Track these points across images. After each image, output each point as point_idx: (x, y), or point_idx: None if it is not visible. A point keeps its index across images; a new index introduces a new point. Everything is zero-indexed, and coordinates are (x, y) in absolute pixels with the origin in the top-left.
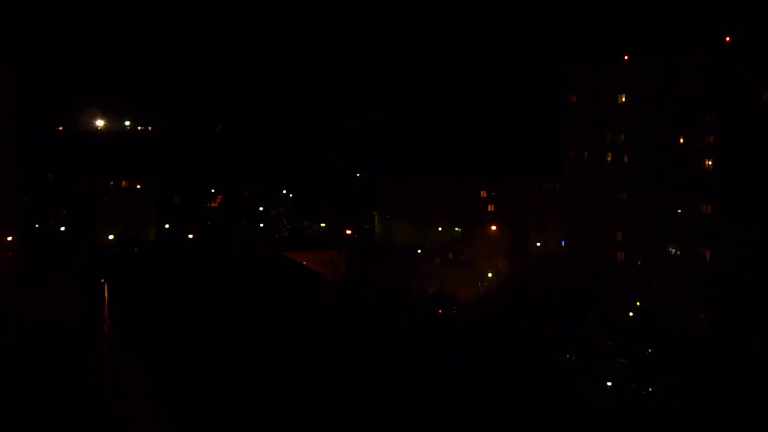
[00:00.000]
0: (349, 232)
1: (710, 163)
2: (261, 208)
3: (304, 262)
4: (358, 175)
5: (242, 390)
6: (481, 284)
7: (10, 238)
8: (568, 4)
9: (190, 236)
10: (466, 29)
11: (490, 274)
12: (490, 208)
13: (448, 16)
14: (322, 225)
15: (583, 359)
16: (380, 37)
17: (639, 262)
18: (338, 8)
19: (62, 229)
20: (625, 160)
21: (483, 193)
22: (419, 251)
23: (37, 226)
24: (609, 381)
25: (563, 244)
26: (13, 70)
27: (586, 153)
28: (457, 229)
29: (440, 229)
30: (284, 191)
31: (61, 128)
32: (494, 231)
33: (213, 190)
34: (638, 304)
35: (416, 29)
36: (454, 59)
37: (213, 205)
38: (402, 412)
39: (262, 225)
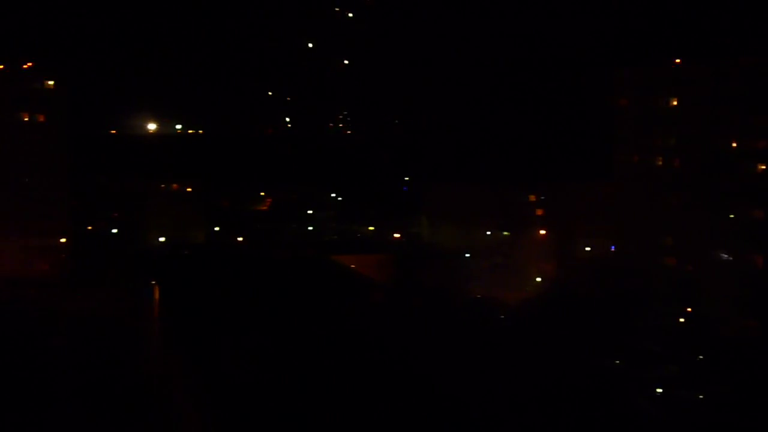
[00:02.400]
0: (396, 235)
1: (764, 167)
2: (309, 211)
3: (352, 266)
4: (406, 178)
5: (286, 393)
6: (529, 289)
7: (62, 240)
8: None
9: (239, 239)
10: (513, 29)
11: (538, 279)
12: (539, 212)
13: (493, 16)
14: (370, 228)
15: (631, 365)
16: (427, 36)
17: (689, 268)
18: (380, 5)
19: (113, 231)
20: (676, 164)
21: (532, 197)
22: (467, 255)
23: (88, 228)
24: (658, 388)
25: (612, 249)
26: (65, 73)
27: (635, 157)
28: (505, 232)
29: (488, 232)
30: (332, 194)
31: (112, 131)
32: (542, 235)
33: (262, 193)
34: (688, 310)
35: (463, 28)
36: (501, 59)
37: (262, 208)
38: (445, 418)
39: (310, 228)
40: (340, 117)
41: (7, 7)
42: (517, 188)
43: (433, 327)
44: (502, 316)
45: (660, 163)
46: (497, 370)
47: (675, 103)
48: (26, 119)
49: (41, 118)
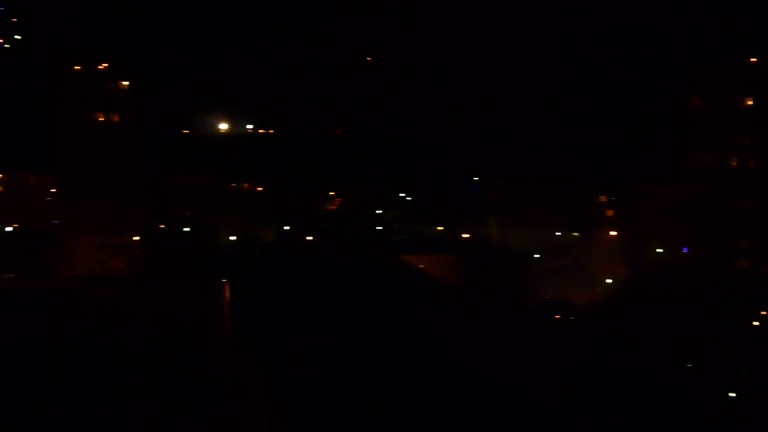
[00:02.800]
0: (465, 235)
1: None
2: (378, 211)
3: (420, 266)
4: (475, 178)
5: (354, 390)
6: (599, 290)
7: (135, 238)
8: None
9: (309, 238)
10: (588, 30)
11: (608, 280)
12: (610, 213)
13: (569, 16)
14: (439, 228)
15: (703, 369)
16: (498, 36)
17: (764, 270)
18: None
19: (185, 229)
20: (751, 164)
21: (602, 198)
22: (536, 256)
23: (161, 227)
24: (730, 392)
25: (685, 251)
26: (140, 74)
27: (709, 157)
28: (574, 233)
29: (557, 233)
30: (401, 194)
31: (185, 131)
32: (613, 236)
33: (332, 193)
34: (762, 313)
35: (537, 28)
36: (574, 60)
37: (331, 207)
38: (513, 418)
39: (379, 228)
40: (410, 118)
41: (83, 10)
42: (587, 189)
43: (502, 328)
44: (572, 318)
45: (734, 163)
46: (566, 371)
47: (750, 102)
48: (102, 119)
49: (116, 118)
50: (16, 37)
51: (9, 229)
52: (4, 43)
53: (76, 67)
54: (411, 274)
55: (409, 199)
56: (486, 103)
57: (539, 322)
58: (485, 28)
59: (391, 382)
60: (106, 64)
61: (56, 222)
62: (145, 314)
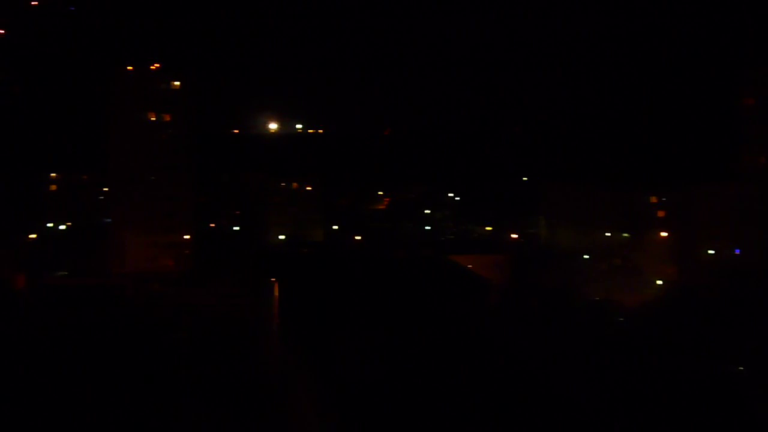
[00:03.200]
0: (514, 235)
1: None
2: (427, 211)
3: (469, 266)
4: (524, 178)
5: (402, 390)
6: (649, 292)
7: (186, 237)
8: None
9: (357, 238)
10: (639, 29)
11: (658, 282)
12: (660, 213)
13: (620, 15)
14: (488, 228)
15: (755, 372)
16: (549, 36)
17: None
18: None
19: (235, 228)
20: None
21: (653, 199)
22: (585, 256)
23: (211, 225)
24: None
25: (737, 252)
26: (191, 74)
27: (762, 158)
28: (625, 234)
29: (608, 234)
30: (450, 194)
31: (235, 131)
32: (664, 237)
33: (380, 193)
34: None
35: (588, 28)
36: (626, 59)
37: (380, 207)
38: (561, 419)
39: (427, 228)
40: (459, 117)
41: (135, 11)
42: (638, 189)
43: (551, 328)
44: (621, 319)
45: None
46: (615, 373)
47: None
48: (153, 119)
49: (167, 118)
50: (69, 37)
51: (62, 227)
52: (58, 43)
53: (128, 68)
54: (459, 274)
55: (458, 198)
56: (536, 103)
57: (588, 324)
58: (536, 27)
59: (439, 383)
60: (158, 65)
61: (108, 220)
62: (194, 312)
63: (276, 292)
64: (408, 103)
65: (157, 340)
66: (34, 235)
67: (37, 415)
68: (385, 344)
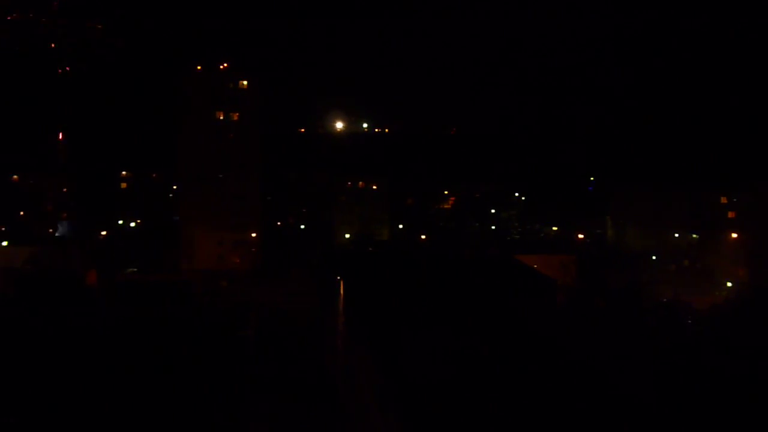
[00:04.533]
0: (581, 236)
1: None
2: (493, 211)
3: (535, 266)
4: (591, 178)
5: (468, 391)
6: (719, 293)
7: (253, 235)
8: None
9: (423, 237)
10: (707, 29)
11: (728, 283)
12: (731, 214)
13: (687, 16)
14: (554, 228)
15: None
16: (621, 36)
17: None
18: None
19: (301, 227)
20: None
21: (723, 199)
22: (653, 257)
23: (278, 223)
24: None
25: None
26: (259, 74)
27: None
28: (694, 235)
29: (676, 235)
30: (516, 194)
31: (302, 130)
32: (734, 238)
33: (446, 192)
34: None
35: (659, 28)
36: (693, 60)
37: (446, 206)
38: (629, 423)
39: (493, 227)
40: (526, 117)
41: (204, 11)
42: (707, 189)
43: (617, 330)
44: (690, 321)
45: None
46: (684, 377)
47: None
48: (221, 118)
49: (235, 117)
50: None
51: (133, 224)
52: (130, 45)
53: (198, 68)
54: (525, 274)
55: (524, 198)
56: (605, 102)
57: (656, 325)
58: (605, 26)
59: (505, 382)
60: (227, 65)
61: (177, 218)
62: (261, 310)
63: (341, 291)
64: (474, 102)
65: (224, 337)
66: (105, 232)
67: (108, 410)
68: (451, 344)
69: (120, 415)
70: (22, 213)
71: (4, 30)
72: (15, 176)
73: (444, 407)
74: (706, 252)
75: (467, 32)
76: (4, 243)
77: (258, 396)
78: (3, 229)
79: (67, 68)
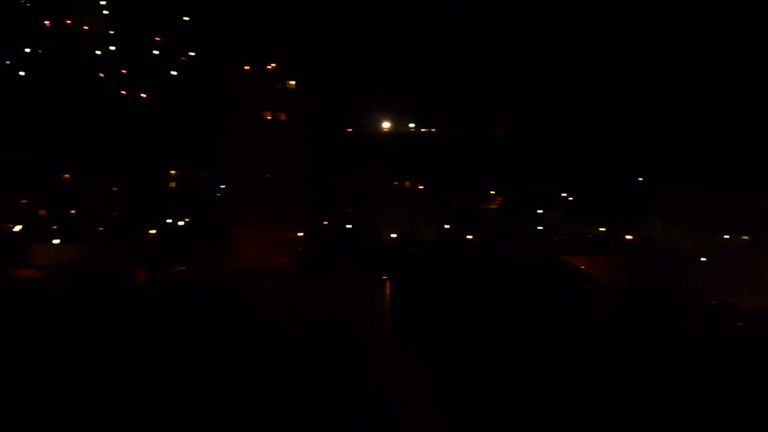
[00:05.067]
0: (628, 237)
1: None
2: (539, 211)
3: (582, 267)
4: (639, 178)
5: (513, 392)
6: None
7: (299, 234)
8: None
9: (469, 237)
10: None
11: None
12: None
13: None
14: (601, 229)
15: None
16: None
17: None
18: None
19: (347, 226)
20: None
21: None
22: (702, 259)
23: (324, 223)
24: None
25: None
26: (306, 73)
27: None
28: (744, 237)
29: (726, 236)
30: (563, 193)
31: (349, 129)
32: None
33: (492, 192)
34: None
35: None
36: (743, 55)
37: (492, 206)
38: (677, 426)
39: (539, 228)
40: (572, 116)
41: (251, 10)
42: (758, 190)
43: (666, 332)
44: (739, 324)
45: None
46: (732, 378)
47: None
48: (269, 118)
49: (282, 117)
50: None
51: (180, 223)
52: (175, 45)
53: (245, 67)
54: (572, 275)
55: (571, 198)
56: (653, 100)
57: (705, 328)
58: (651, 22)
59: (552, 384)
60: (274, 64)
61: (224, 217)
62: (307, 309)
63: (387, 291)
64: (521, 101)
65: (270, 336)
66: (153, 231)
67: (157, 407)
68: (497, 344)
69: (167, 413)
70: (72, 212)
71: (51, 30)
72: (66, 175)
73: (489, 407)
74: (757, 254)
75: (514, 31)
76: (54, 241)
77: (304, 395)
78: (53, 227)
79: (121, 70)
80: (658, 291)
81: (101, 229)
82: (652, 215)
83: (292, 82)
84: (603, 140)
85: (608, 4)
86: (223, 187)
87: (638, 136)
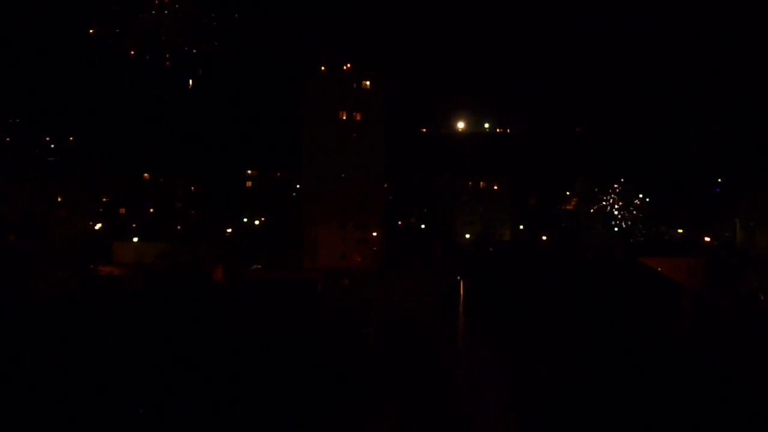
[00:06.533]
0: (707, 239)
1: None
2: (616, 212)
3: (660, 269)
4: (719, 179)
5: (591, 394)
6: None
7: (375, 234)
8: None
9: (544, 237)
10: None
11: None
12: None
13: None
14: (680, 231)
15: None
16: (746, 34)
17: None
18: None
19: (422, 226)
20: None
21: None
22: None
23: (399, 223)
24: None
25: None
26: (382, 74)
27: None
28: None
29: None
30: (640, 195)
31: (424, 130)
32: None
33: (568, 193)
34: None
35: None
36: None
37: (568, 207)
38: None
39: (616, 229)
40: (651, 116)
41: (327, 13)
42: None
43: (746, 335)
44: None
45: None
46: None
47: None
48: (345, 118)
49: (358, 117)
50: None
51: (257, 222)
52: (255, 46)
53: (322, 68)
54: (650, 277)
55: (649, 199)
56: (735, 101)
57: None
58: (733, 24)
59: (629, 386)
60: (350, 65)
61: (300, 217)
62: (382, 308)
63: (461, 291)
64: (599, 101)
65: (346, 335)
66: (231, 230)
67: (235, 403)
68: (573, 346)
69: (246, 407)
70: (152, 210)
71: (137, 36)
72: (146, 174)
73: (565, 410)
74: None
75: (590, 31)
76: (135, 239)
77: (378, 393)
78: (134, 225)
79: (198, 71)
80: (738, 294)
81: (180, 227)
82: (733, 217)
83: (368, 83)
84: (682, 141)
85: (690, 8)
86: (300, 186)
87: (719, 137)
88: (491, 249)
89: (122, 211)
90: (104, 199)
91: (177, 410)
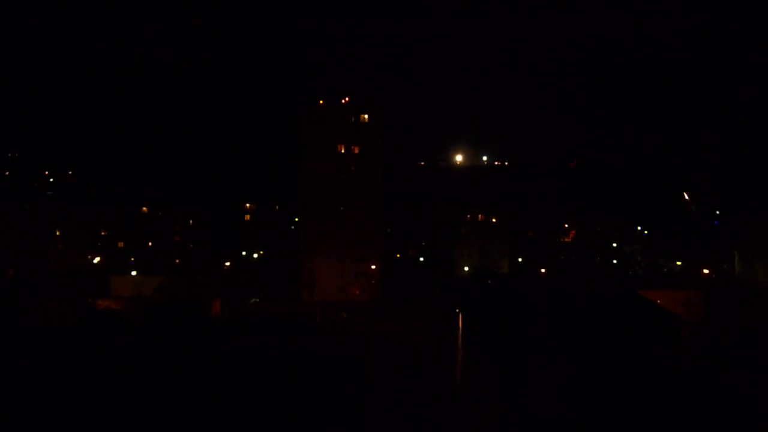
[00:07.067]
0: (706, 271)
1: None
2: (614, 245)
3: (658, 301)
4: (717, 212)
5: (591, 426)
6: None
7: (373, 267)
8: None
9: (543, 270)
10: None
11: None
12: None
13: None
14: (678, 263)
15: None
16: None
17: None
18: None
19: (421, 259)
20: None
21: None
22: None
23: (398, 255)
24: None
25: None
26: (379, 108)
27: None
28: None
29: None
30: (638, 227)
31: (422, 163)
32: None
33: (566, 225)
34: None
35: None
36: None
37: (566, 240)
38: None
39: (615, 261)
40: (648, 150)
41: (326, 46)
42: None
43: (746, 368)
44: None
45: None
46: None
47: None
48: (343, 151)
49: (356, 150)
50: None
51: (255, 255)
52: (252, 79)
53: (319, 102)
54: (649, 309)
55: (647, 232)
56: (729, 135)
57: None
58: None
59: (628, 417)
60: (348, 99)
61: (298, 250)
62: (381, 341)
63: (460, 323)
64: (595, 135)
65: (345, 368)
66: (229, 263)
67: None
68: (572, 378)
69: None
70: (150, 244)
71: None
72: (144, 208)
73: None
74: None
75: (587, 66)
76: (134, 273)
77: (377, 425)
78: (133, 259)
79: (197, 104)
80: (737, 326)
81: (178, 261)
82: (731, 249)
83: (366, 116)
84: (680, 174)
85: (691, 37)
86: (298, 219)
87: (716, 171)
88: (490, 282)
89: (120, 244)
90: (103, 233)
91: None
